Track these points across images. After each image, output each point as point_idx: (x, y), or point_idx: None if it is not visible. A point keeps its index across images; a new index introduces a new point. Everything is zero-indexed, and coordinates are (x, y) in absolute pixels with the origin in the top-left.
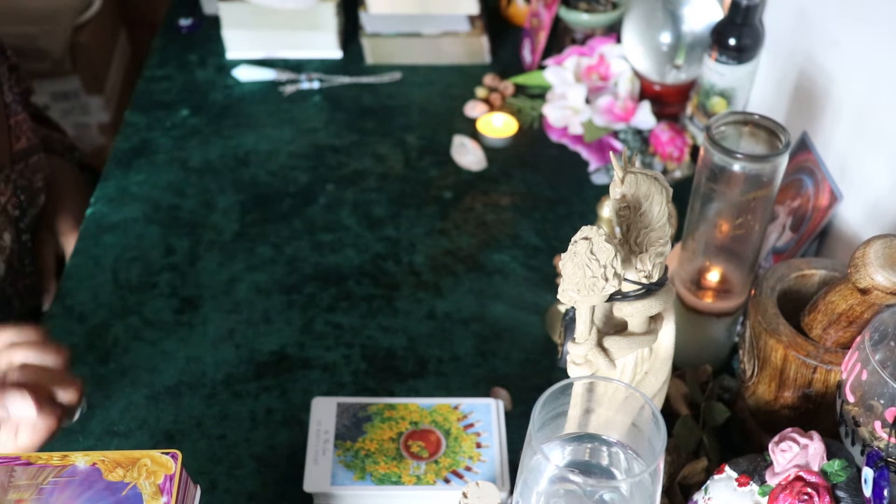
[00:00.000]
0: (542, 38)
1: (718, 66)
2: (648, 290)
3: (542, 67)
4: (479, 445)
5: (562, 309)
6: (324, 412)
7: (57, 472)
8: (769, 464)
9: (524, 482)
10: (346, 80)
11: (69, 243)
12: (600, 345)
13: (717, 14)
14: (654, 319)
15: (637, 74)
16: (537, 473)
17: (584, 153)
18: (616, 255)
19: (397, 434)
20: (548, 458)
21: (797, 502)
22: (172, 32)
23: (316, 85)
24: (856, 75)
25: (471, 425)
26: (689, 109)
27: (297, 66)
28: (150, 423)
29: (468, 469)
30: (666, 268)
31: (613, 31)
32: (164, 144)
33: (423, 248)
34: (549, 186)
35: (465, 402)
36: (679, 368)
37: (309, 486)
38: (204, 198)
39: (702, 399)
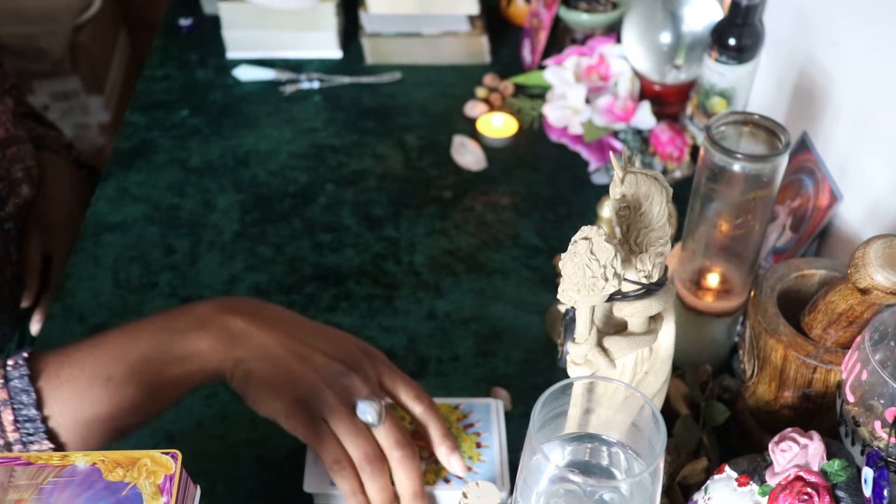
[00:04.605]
0: (542, 38)
1: (718, 66)
2: (648, 290)
3: (542, 67)
4: (479, 445)
5: (562, 309)
6: None
7: (57, 472)
8: (769, 464)
9: (524, 482)
10: (346, 80)
11: (54, 240)
12: (600, 345)
13: (717, 14)
14: (654, 319)
15: (637, 74)
16: (537, 473)
17: (584, 153)
18: (616, 255)
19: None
20: (548, 458)
21: (797, 502)
22: (172, 32)
23: (316, 85)
24: (856, 75)
25: (471, 425)
26: (689, 109)
27: (297, 66)
28: (150, 423)
29: (468, 469)
30: (666, 268)
31: (613, 31)
32: (164, 144)
33: (423, 248)
34: (549, 186)
35: (465, 402)
36: (679, 368)
37: (309, 486)
38: (204, 198)
39: (702, 399)
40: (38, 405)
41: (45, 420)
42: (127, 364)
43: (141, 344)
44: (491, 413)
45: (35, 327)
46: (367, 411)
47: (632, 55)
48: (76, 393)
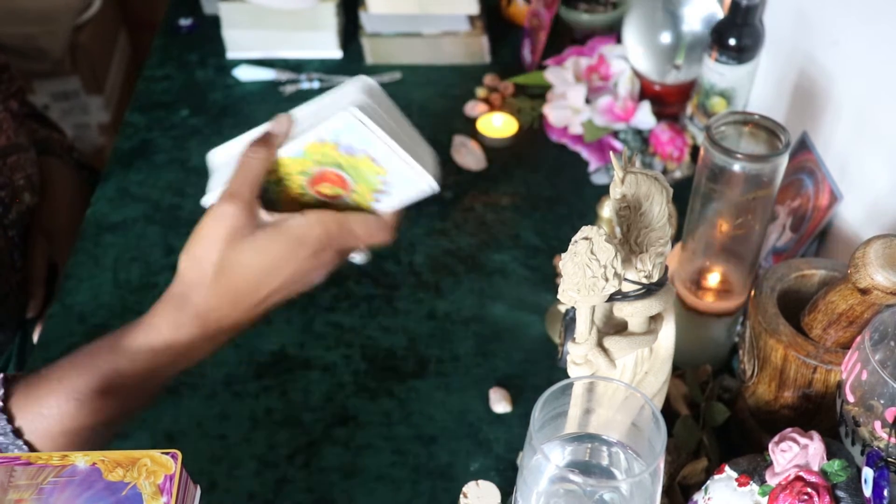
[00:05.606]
0: (542, 38)
1: (718, 66)
2: (648, 290)
3: (542, 67)
4: (373, 161)
5: (562, 309)
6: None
7: (57, 471)
8: (769, 464)
9: (524, 482)
10: (346, 80)
11: (60, 247)
12: (600, 345)
13: (717, 14)
14: (654, 319)
15: (637, 74)
16: (537, 473)
17: (584, 153)
18: (616, 255)
19: (300, 187)
20: (548, 458)
21: (797, 502)
22: (172, 32)
23: (316, 85)
24: (856, 75)
25: (350, 147)
26: (689, 109)
27: (297, 66)
28: (150, 423)
29: (384, 185)
30: (666, 268)
31: (613, 31)
32: (164, 144)
33: (423, 248)
34: (549, 186)
35: (325, 130)
36: (679, 368)
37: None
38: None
39: (702, 399)
40: (10, 420)
41: (18, 433)
42: (89, 370)
43: (101, 347)
44: (352, 122)
45: (36, 336)
46: (355, 257)
47: (632, 55)
48: (44, 408)
